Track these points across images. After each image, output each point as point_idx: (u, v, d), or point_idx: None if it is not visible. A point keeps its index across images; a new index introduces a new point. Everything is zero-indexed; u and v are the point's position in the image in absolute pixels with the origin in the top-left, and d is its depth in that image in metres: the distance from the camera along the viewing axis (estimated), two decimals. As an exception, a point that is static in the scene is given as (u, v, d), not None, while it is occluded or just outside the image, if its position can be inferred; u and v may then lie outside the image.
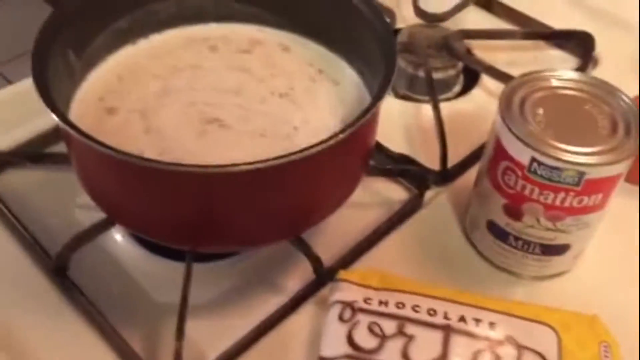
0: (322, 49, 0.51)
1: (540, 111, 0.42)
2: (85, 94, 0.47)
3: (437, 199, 0.53)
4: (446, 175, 0.54)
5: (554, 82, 0.44)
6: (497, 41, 0.68)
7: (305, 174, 0.40)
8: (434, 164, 0.55)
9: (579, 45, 0.66)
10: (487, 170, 0.44)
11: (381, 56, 0.44)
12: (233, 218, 0.42)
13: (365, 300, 0.42)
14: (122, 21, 0.50)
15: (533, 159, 0.40)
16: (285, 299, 0.46)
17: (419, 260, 0.49)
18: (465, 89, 0.65)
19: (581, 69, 0.65)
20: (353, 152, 0.43)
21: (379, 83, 0.41)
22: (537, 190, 0.41)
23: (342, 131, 0.38)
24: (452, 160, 0.55)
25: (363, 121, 0.39)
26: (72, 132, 0.37)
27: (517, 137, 0.40)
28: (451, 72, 0.64)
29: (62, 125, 0.38)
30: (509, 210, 0.44)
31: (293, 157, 0.36)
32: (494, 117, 0.44)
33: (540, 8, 0.71)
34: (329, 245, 0.49)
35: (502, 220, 0.45)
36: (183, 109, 0.47)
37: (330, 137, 0.37)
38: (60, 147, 0.54)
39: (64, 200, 0.52)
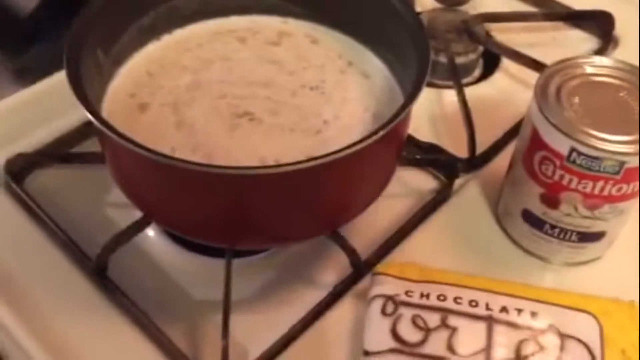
0: (350, 40, 0.51)
1: (576, 100, 0.42)
2: (115, 92, 0.47)
3: (467, 186, 0.53)
4: (475, 162, 0.54)
5: (588, 69, 0.44)
6: (515, 23, 0.67)
7: (343, 172, 0.40)
8: (460, 150, 0.55)
9: (599, 25, 0.66)
10: (522, 159, 0.45)
11: (413, 49, 0.44)
12: (271, 216, 0.42)
13: (407, 293, 0.42)
14: (146, 18, 0.49)
15: (572, 149, 0.40)
16: (324, 293, 0.46)
17: (452, 249, 0.49)
18: (485, 73, 0.65)
19: (601, 49, 0.65)
20: (389, 148, 0.43)
21: (414, 81, 0.41)
22: (575, 179, 0.41)
23: (379, 130, 0.37)
24: (480, 146, 0.55)
25: (399, 120, 0.39)
26: (111, 134, 0.37)
27: (556, 127, 0.40)
28: (472, 57, 0.63)
29: (100, 127, 0.37)
30: (546, 199, 0.44)
31: (332, 157, 0.36)
32: (529, 105, 0.44)
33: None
34: (362, 237, 0.49)
35: (539, 209, 0.45)
36: (214, 102, 0.46)
37: (368, 137, 0.37)
38: (85, 147, 0.55)
39: (94, 199, 0.52)
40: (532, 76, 0.61)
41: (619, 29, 0.66)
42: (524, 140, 0.44)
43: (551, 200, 0.43)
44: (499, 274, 0.46)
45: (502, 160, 0.54)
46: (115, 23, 0.47)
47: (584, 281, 0.47)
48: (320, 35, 0.51)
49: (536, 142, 0.42)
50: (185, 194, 0.41)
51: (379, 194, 0.45)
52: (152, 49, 0.50)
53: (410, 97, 0.40)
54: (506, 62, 0.64)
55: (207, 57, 0.50)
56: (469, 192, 0.53)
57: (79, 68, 0.41)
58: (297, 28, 0.52)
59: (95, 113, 0.38)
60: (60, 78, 0.55)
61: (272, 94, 0.47)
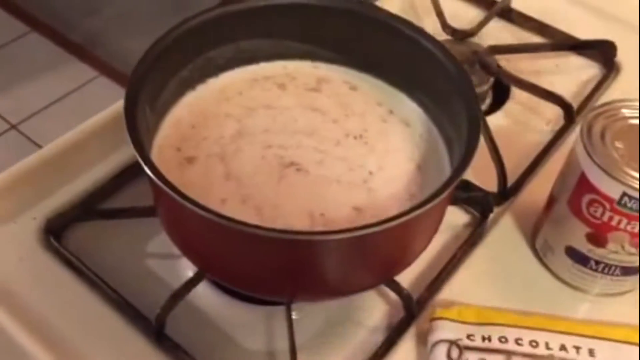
0: (386, 86, 0.52)
1: (619, 144, 0.44)
2: (160, 147, 0.47)
3: (500, 220, 0.55)
4: (505, 195, 0.56)
5: (626, 113, 0.46)
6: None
7: (399, 233, 0.41)
8: (488, 183, 0.56)
9: (601, 53, 0.68)
10: (568, 200, 0.46)
11: (455, 96, 0.45)
12: (329, 274, 0.43)
13: (469, 337, 0.44)
14: (185, 70, 0.49)
15: (624, 194, 0.42)
16: (378, 337, 0.47)
17: (495, 285, 0.50)
18: (494, 103, 0.67)
19: (605, 76, 0.68)
20: (442, 206, 0.44)
21: (465, 148, 0.41)
22: (625, 220, 0.43)
23: (438, 194, 0.39)
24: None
25: (454, 184, 0.40)
26: (176, 197, 0.37)
27: (607, 173, 0.42)
28: (484, 88, 0.65)
29: (166, 189, 0.37)
30: (593, 238, 0.46)
31: (393, 222, 0.37)
32: (572, 147, 0.46)
33: (558, 16, 0.73)
34: (405, 277, 0.50)
35: (584, 247, 0.47)
36: (260, 152, 0.47)
37: (426, 201, 0.38)
38: (116, 199, 0.54)
39: (133, 252, 0.51)
40: (542, 105, 0.64)
41: (620, 56, 0.69)
42: (570, 182, 0.46)
43: (598, 239, 0.45)
44: (542, 307, 0.48)
45: (531, 191, 0.57)
46: (159, 78, 0.46)
47: (622, 311, 0.49)
48: (359, 81, 0.52)
49: (584, 186, 0.44)
50: (243, 253, 0.41)
51: (431, 241, 0.46)
52: (191, 100, 0.50)
53: (463, 164, 0.40)
54: (516, 92, 0.66)
55: (249, 105, 0.50)
56: (503, 226, 0.54)
57: (138, 128, 0.41)
58: (336, 74, 0.52)
59: (160, 176, 0.38)
60: (80, 130, 0.55)
61: (317, 143, 0.48)
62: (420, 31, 0.49)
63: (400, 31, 0.49)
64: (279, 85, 0.52)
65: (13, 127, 1.66)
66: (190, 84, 0.50)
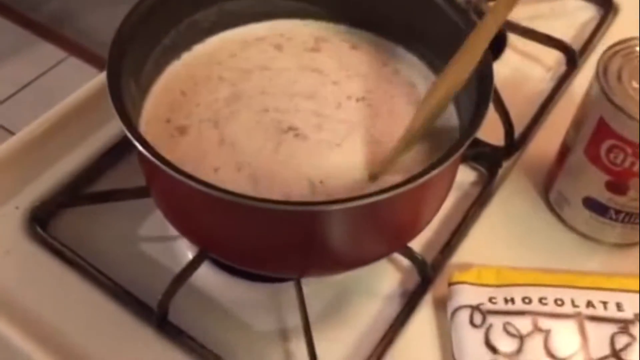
0: (390, 44, 0.48)
1: (635, 84, 0.41)
2: (149, 122, 0.43)
3: (509, 175, 0.52)
4: (512, 148, 0.53)
5: (640, 50, 0.43)
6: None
7: (413, 197, 0.38)
8: (492, 136, 0.53)
9: (598, -8, 0.65)
10: (585, 148, 0.44)
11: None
12: (341, 246, 0.40)
13: (491, 300, 0.41)
14: (167, 39, 0.46)
15: (647, 137, 0.40)
16: (395, 305, 0.45)
17: (510, 243, 0.48)
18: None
19: (603, 17, 0.65)
20: (454, 166, 0.42)
21: (476, 106, 0.39)
22: (647, 165, 0.41)
23: (447, 157, 0.36)
24: (509, 129, 0.54)
25: (464, 147, 0.37)
26: (170, 171, 0.34)
27: (628, 115, 0.40)
28: (480, 37, 0.62)
29: (162, 166, 0.34)
30: (613, 186, 0.43)
31: (403, 188, 0.34)
32: (586, 90, 0.44)
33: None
34: (416, 242, 0.47)
35: (603, 196, 0.44)
36: (256, 117, 0.44)
37: (439, 162, 0.36)
38: (102, 183, 0.50)
39: (126, 236, 0.48)
40: (542, 51, 0.62)
41: (618, -4, 0.66)
42: (586, 129, 0.43)
43: (619, 187, 0.43)
44: (559, 261, 0.46)
45: (539, 142, 0.54)
46: (141, 49, 0.43)
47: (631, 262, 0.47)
48: (357, 39, 0.48)
49: (603, 131, 0.42)
50: (246, 229, 0.38)
51: (443, 204, 0.44)
52: (178, 68, 0.46)
53: (473, 125, 0.38)
54: (513, 39, 0.64)
55: (243, 67, 0.47)
56: (514, 181, 0.52)
57: (123, 101, 0.37)
58: (329, 32, 0.49)
59: (151, 150, 0.35)
60: (58, 111, 0.52)
61: (317, 106, 0.45)
62: None
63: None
64: (276, 45, 0.48)
65: (-17, 115, 1.60)
66: (175, 52, 0.47)
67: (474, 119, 0.38)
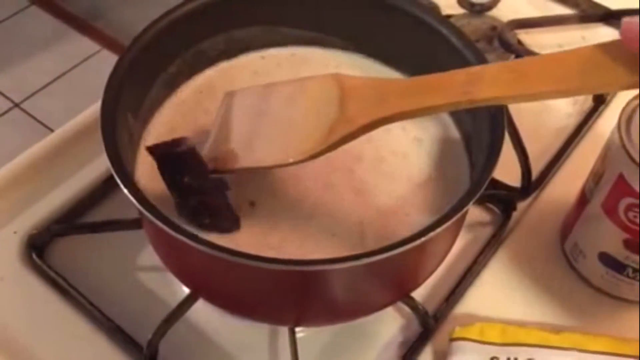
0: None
1: (661, 139, 0.39)
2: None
3: (525, 218, 0.50)
4: (529, 190, 0.51)
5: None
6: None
7: (417, 251, 0.36)
8: (508, 176, 0.51)
9: (633, 22, 0.62)
10: (603, 202, 0.41)
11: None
12: (337, 300, 0.38)
13: (492, 359, 0.39)
14: (172, 67, 0.44)
15: (669, 199, 0.37)
16: (393, 354, 0.43)
17: (521, 294, 0.46)
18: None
19: (637, 48, 0.62)
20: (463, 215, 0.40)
21: (487, 153, 0.37)
22: (668, 227, 0.38)
23: (454, 212, 0.34)
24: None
25: (473, 200, 0.35)
26: (171, 232, 0.33)
27: (649, 176, 0.37)
28: (504, 66, 0.60)
29: (156, 222, 0.33)
30: (631, 244, 0.41)
31: (405, 246, 0.33)
32: (606, 143, 0.41)
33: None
34: (420, 288, 0.45)
35: (621, 254, 0.42)
36: None
37: (444, 218, 0.34)
38: (100, 211, 0.49)
39: (122, 266, 0.47)
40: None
41: (654, 26, 0.63)
42: (605, 182, 0.41)
43: (638, 246, 0.40)
44: (574, 318, 0.44)
45: (558, 183, 0.52)
46: (142, 80, 0.42)
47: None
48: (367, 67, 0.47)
49: (622, 189, 0.39)
50: (240, 281, 0.37)
51: (448, 253, 0.42)
52: (184, 95, 0.45)
53: (482, 180, 0.36)
54: (539, 69, 0.61)
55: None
56: (528, 225, 0.49)
57: (117, 146, 0.36)
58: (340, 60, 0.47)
59: (150, 207, 0.33)
60: (59, 135, 0.51)
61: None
62: (428, 10, 0.44)
63: (408, 12, 0.44)
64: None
65: (16, 105, 1.62)
66: (178, 81, 0.45)
67: (481, 176, 0.35)
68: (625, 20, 0.29)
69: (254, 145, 0.37)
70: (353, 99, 0.34)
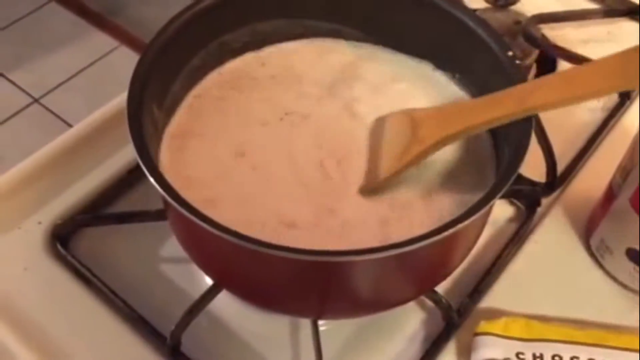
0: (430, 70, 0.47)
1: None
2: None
3: (549, 214, 0.49)
4: (554, 185, 0.50)
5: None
6: (570, 20, 0.63)
7: (439, 246, 0.36)
8: (533, 171, 0.50)
9: (659, 17, 0.61)
10: (631, 197, 0.41)
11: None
12: (361, 293, 0.38)
13: (517, 356, 0.39)
14: (196, 59, 0.44)
15: (699, 194, 0.36)
16: (417, 349, 0.43)
17: (546, 289, 0.45)
18: (540, 76, 0.61)
19: (663, 43, 0.61)
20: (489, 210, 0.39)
21: (514, 150, 0.36)
22: (698, 222, 0.38)
23: (479, 206, 0.34)
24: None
25: (501, 193, 0.34)
26: (196, 220, 0.32)
27: (679, 170, 0.37)
28: (528, 62, 0.59)
29: (184, 212, 0.33)
30: (660, 240, 0.40)
31: (433, 238, 0.32)
32: (635, 137, 0.41)
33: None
34: (444, 282, 0.45)
35: (649, 250, 0.41)
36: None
37: (470, 211, 0.34)
38: (124, 202, 0.49)
39: (146, 256, 0.47)
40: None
41: (681, 20, 0.62)
42: (633, 177, 0.40)
43: (666, 242, 0.40)
44: (599, 315, 0.44)
45: (583, 179, 0.51)
46: (167, 72, 0.42)
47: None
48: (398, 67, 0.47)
49: (652, 183, 0.39)
50: (264, 272, 0.37)
51: (473, 248, 0.41)
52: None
53: (512, 168, 0.35)
54: (563, 64, 0.60)
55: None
56: (553, 221, 0.49)
57: (143, 136, 0.36)
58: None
59: (177, 196, 0.33)
60: (86, 126, 0.51)
61: None
62: (453, 2, 0.43)
63: (434, 4, 0.44)
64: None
65: (36, 100, 1.63)
66: (202, 73, 0.45)
67: (508, 170, 0.35)
68: None
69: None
70: (423, 124, 0.39)
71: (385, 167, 0.39)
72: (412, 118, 0.40)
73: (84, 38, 1.76)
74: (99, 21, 1.80)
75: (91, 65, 1.70)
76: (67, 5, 1.83)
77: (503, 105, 0.37)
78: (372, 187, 0.39)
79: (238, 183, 0.40)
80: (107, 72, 1.70)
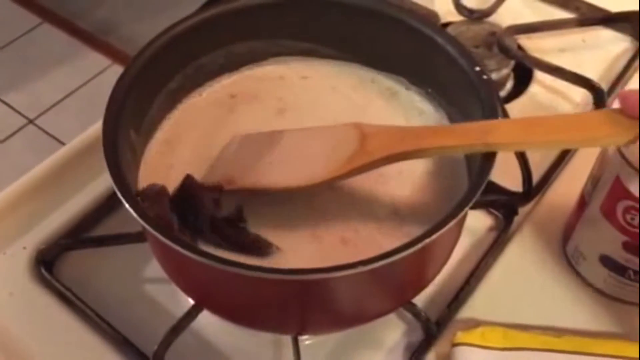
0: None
1: (657, 142, 0.39)
2: (149, 169, 0.43)
3: (527, 223, 0.50)
4: (530, 194, 0.51)
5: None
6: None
7: (411, 260, 0.36)
8: (509, 180, 0.51)
9: (633, 25, 0.62)
10: (601, 205, 0.41)
11: (475, 105, 0.41)
12: (338, 308, 0.39)
13: (494, 365, 0.40)
14: (172, 82, 0.45)
15: (665, 201, 0.37)
16: (397, 360, 0.43)
17: (524, 298, 0.46)
18: (517, 87, 0.62)
19: (638, 51, 0.62)
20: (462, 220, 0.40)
21: (480, 168, 0.37)
22: (666, 229, 0.39)
23: (451, 216, 0.34)
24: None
25: (469, 205, 0.35)
26: (170, 243, 0.33)
27: (645, 178, 0.37)
28: (504, 72, 0.60)
29: (155, 234, 0.34)
30: (630, 247, 0.41)
31: (406, 252, 0.33)
32: (603, 151, 0.41)
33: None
34: (422, 293, 0.45)
35: (621, 257, 0.42)
36: None
37: (439, 224, 0.34)
38: (108, 224, 0.50)
39: (129, 277, 0.48)
40: (569, 87, 0.59)
41: (654, 28, 0.63)
42: (603, 186, 0.41)
43: (636, 248, 0.41)
44: (577, 321, 0.44)
45: (559, 188, 0.52)
46: (143, 96, 0.42)
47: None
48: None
49: (620, 192, 0.39)
50: (243, 291, 0.38)
51: (448, 259, 0.42)
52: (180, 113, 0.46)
53: (479, 181, 0.36)
54: (539, 74, 0.61)
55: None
56: (530, 230, 0.49)
57: (120, 163, 0.37)
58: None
59: (151, 221, 0.34)
60: (67, 151, 0.52)
61: None
62: (423, 19, 0.45)
63: (405, 23, 0.45)
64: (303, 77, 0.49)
65: (30, 121, 1.64)
66: (179, 96, 0.46)
67: (477, 181, 0.36)
68: (621, 91, 0.35)
69: (259, 173, 0.40)
70: (374, 138, 0.38)
71: (324, 171, 0.38)
72: (362, 130, 0.39)
73: (77, 57, 1.78)
74: (92, 40, 1.81)
75: (85, 84, 1.71)
76: (59, 25, 1.85)
77: (459, 137, 0.37)
78: (305, 188, 0.39)
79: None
80: (101, 90, 1.69)
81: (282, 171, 0.40)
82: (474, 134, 0.36)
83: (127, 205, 0.35)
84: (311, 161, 0.39)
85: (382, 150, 0.37)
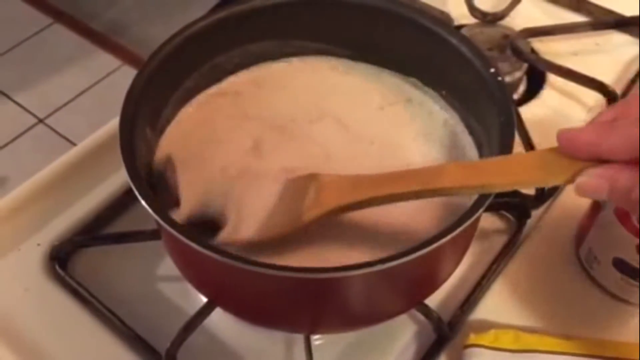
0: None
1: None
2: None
3: (539, 226, 0.50)
4: (543, 197, 0.51)
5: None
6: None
7: (424, 261, 0.36)
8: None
9: (646, 28, 0.62)
10: (616, 209, 0.41)
11: (488, 105, 0.41)
12: (351, 307, 0.39)
13: (507, 367, 0.40)
14: (188, 81, 0.45)
15: (680, 204, 0.37)
16: (409, 362, 0.43)
17: (535, 301, 0.46)
18: (530, 90, 0.62)
19: (651, 54, 0.62)
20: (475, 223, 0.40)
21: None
22: (681, 232, 0.38)
23: (463, 219, 0.35)
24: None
25: (482, 208, 0.35)
26: (185, 240, 0.33)
27: (659, 181, 0.37)
28: (517, 75, 0.60)
29: (178, 236, 0.34)
30: (644, 250, 0.41)
31: (419, 252, 0.33)
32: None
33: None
34: (435, 295, 0.45)
35: (635, 260, 0.42)
36: None
37: (451, 227, 0.34)
38: (119, 225, 0.50)
39: (142, 275, 0.48)
40: (582, 90, 0.59)
41: (668, 31, 0.63)
42: (616, 189, 0.41)
43: (651, 252, 0.41)
44: (589, 325, 0.44)
45: (570, 192, 0.51)
46: (159, 94, 0.43)
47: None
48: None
49: (634, 194, 0.39)
50: (257, 289, 0.38)
51: (461, 260, 0.42)
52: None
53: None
54: (552, 77, 0.61)
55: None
56: (542, 233, 0.49)
57: (136, 161, 0.37)
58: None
59: (168, 218, 0.34)
60: (81, 149, 0.52)
61: None
62: (438, 21, 0.45)
63: (418, 23, 0.45)
64: None
65: (41, 121, 1.65)
66: (195, 93, 0.47)
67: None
68: (560, 130, 0.34)
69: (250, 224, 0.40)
70: (328, 189, 0.38)
71: (280, 224, 0.38)
72: (319, 181, 0.39)
73: (88, 58, 1.78)
74: (103, 41, 1.82)
75: (95, 84, 1.72)
76: (70, 26, 1.86)
77: (407, 183, 0.36)
78: (258, 241, 0.38)
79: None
80: (111, 91, 1.71)
81: (257, 225, 0.39)
82: (422, 180, 0.36)
83: (143, 202, 0.35)
84: (274, 212, 0.40)
85: (333, 201, 0.37)
